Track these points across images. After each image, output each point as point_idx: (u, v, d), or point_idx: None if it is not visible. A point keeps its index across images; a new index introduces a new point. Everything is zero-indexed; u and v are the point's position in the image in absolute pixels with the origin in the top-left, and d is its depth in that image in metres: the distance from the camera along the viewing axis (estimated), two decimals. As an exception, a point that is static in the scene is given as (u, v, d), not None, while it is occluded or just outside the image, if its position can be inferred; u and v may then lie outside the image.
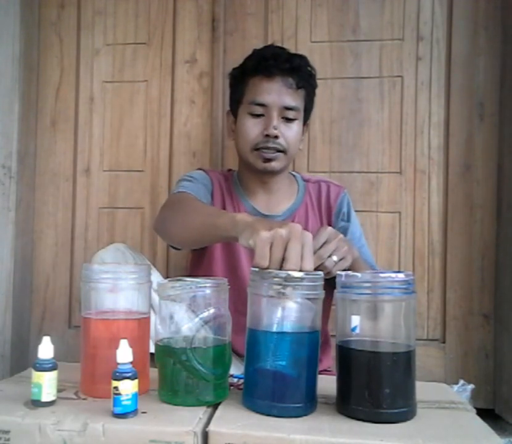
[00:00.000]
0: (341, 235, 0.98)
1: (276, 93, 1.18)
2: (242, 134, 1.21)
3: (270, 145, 1.18)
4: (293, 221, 1.26)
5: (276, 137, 1.17)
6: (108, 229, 1.63)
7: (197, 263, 1.31)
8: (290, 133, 1.20)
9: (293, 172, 1.37)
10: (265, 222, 0.80)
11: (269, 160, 1.19)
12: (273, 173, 1.23)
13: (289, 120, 1.20)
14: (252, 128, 1.19)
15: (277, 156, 1.19)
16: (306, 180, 1.34)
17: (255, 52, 1.25)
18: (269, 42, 1.51)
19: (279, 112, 1.18)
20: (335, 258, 0.94)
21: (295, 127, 1.21)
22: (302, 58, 1.23)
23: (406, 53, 1.54)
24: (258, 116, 1.19)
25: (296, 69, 1.19)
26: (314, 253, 0.91)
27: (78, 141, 1.65)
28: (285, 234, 0.75)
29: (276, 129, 1.17)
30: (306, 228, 1.26)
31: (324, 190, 1.31)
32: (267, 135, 1.17)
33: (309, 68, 1.23)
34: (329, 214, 1.30)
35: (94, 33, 1.65)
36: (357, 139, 1.55)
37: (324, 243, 0.95)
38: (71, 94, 1.65)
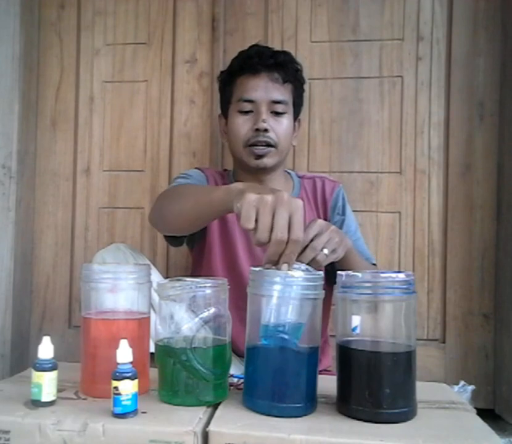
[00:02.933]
0: (333, 227, 0.97)
1: (263, 88, 1.19)
2: (233, 132, 1.22)
3: (261, 139, 1.18)
4: None
5: (266, 130, 1.18)
6: (108, 229, 1.63)
7: (197, 262, 1.31)
8: (280, 127, 1.20)
9: (287, 170, 1.37)
10: (255, 188, 0.80)
11: (260, 157, 1.20)
12: (266, 170, 1.23)
13: (278, 114, 1.20)
14: (242, 125, 1.20)
15: (269, 152, 1.20)
16: (301, 177, 1.35)
17: (240, 53, 1.27)
18: (269, 42, 1.51)
19: (267, 106, 1.19)
20: (326, 251, 0.93)
21: (285, 121, 1.21)
22: (287, 54, 1.25)
23: (406, 53, 1.53)
24: (247, 112, 1.20)
25: (281, 65, 1.21)
26: (306, 246, 0.91)
27: (78, 141, 1.65)
28: (271, 201, 0.74)
29: (265, 122, 1.18)
30: (304, 224, 1.27)
31: (319, 185, 1.32)
32: (257, 130, 1.18)
33: (295, 64, 1.25)
34: (325, 208, 1.30)
35: (94, 33, 1.65)
36: (357, 139, 1.55)
37: (316, 235, 0.95)
38: (71, 94, 1.65)
